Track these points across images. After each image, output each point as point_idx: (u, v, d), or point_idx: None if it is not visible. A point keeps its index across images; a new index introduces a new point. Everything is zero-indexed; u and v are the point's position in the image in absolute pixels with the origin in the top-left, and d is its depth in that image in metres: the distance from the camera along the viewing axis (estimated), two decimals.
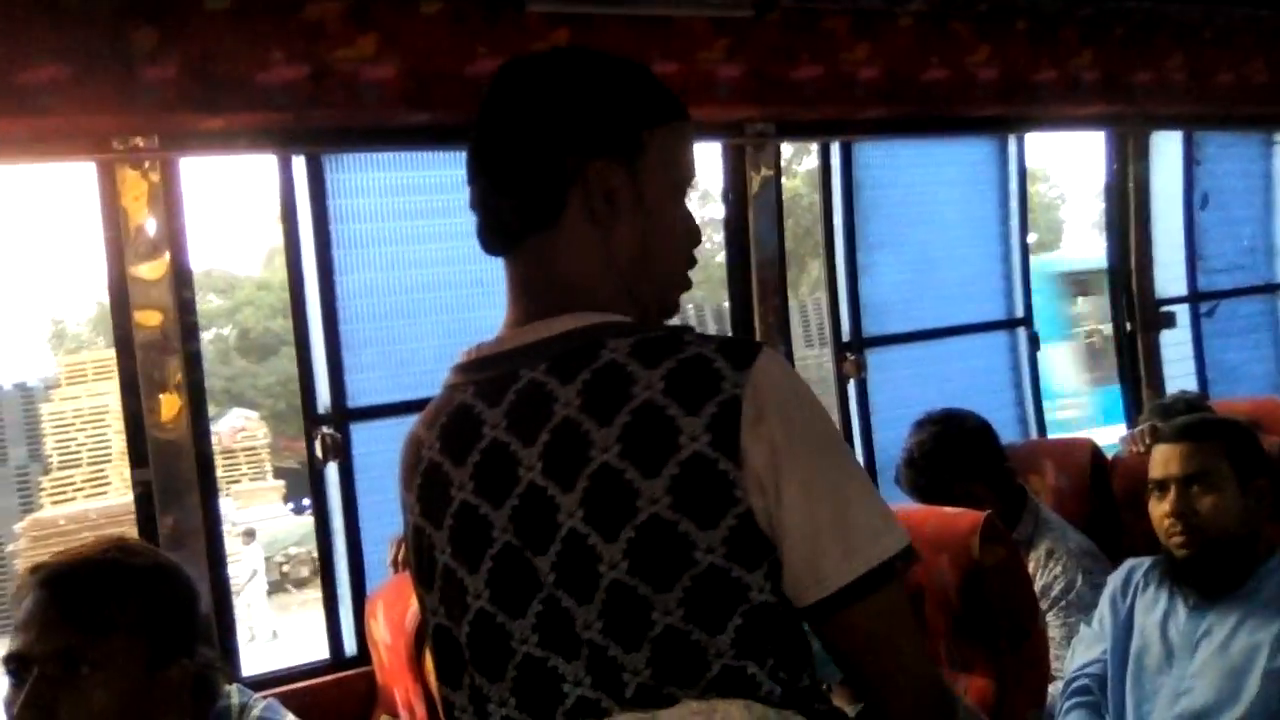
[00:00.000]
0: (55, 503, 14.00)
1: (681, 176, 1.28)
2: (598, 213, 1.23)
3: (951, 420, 3.05)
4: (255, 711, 2.15)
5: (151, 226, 2.60)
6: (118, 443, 13.92)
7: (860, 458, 3.83)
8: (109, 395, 14.12)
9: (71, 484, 14.44)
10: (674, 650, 1.12)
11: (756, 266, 3.55)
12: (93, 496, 14.17)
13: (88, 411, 14.72)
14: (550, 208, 1.23)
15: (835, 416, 3.92)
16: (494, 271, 3.07)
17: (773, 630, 1.14)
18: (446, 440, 1.26)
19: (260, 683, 2.42)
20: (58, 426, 14.80)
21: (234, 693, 2.14)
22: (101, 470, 14.61)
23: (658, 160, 1.25)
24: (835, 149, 3.77)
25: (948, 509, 2.36)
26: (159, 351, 2.59)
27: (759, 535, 1.12)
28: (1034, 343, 4.24)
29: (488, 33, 2.95)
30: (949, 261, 4.12)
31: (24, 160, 2.55)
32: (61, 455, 14.67)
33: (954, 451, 2.98)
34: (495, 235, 1.28)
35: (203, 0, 2.59)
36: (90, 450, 14.66)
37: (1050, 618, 2.76)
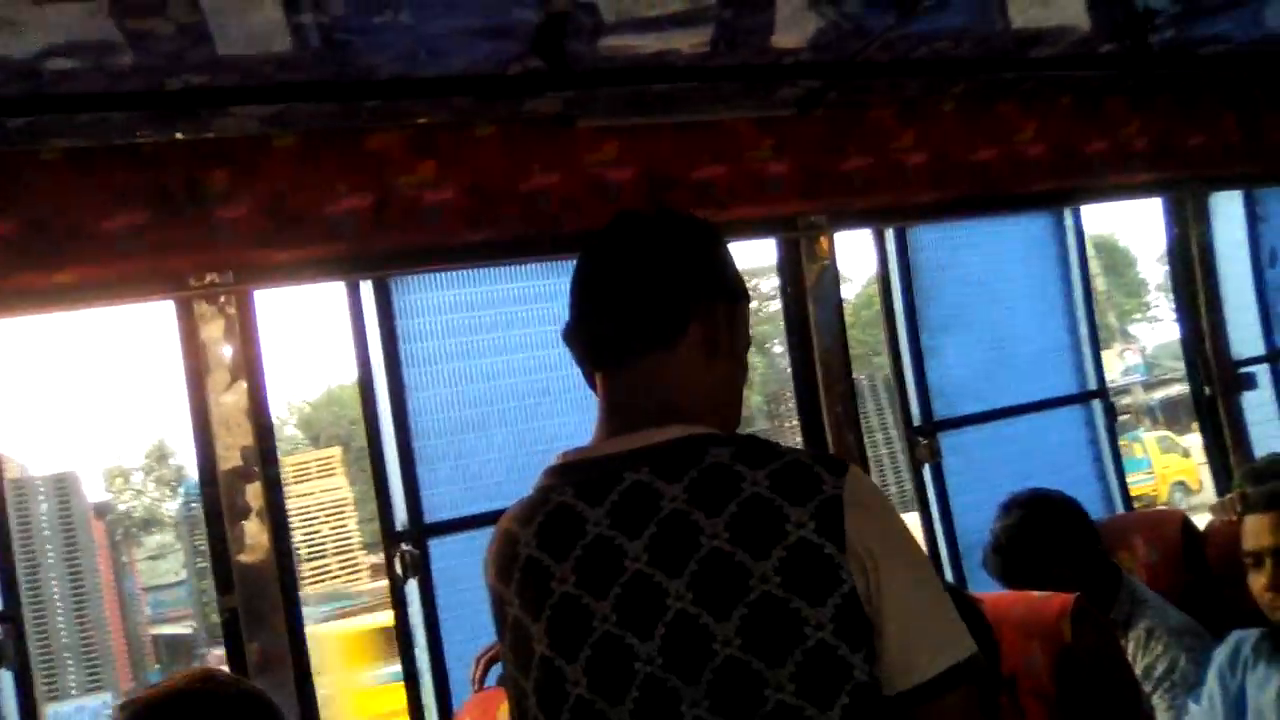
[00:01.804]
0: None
1: (748, 336, 1.51)
2: (709, 344, 1.43)
3: (1039, 501, 2.98)
4: None
5: (229, 357, 2.69)
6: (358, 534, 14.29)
7: (941, 543, 3.77)
8: (340, 489, 14.88)
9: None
10: None
11: (820, 356, 3.56)
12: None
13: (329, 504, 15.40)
14: (672, 334, 1.41)
15: (911, 510, 3.88)
16: (558, 381, 3.15)
17: (873, 711, 1.20)
18: (546, 537, 1.34)
19: None
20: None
21: None
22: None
23: (743, 317, 1.49)
24: (890, 234, 3.79)
25: (1035, 593, 2.30)
26: (240, 478, 2.65)
27: (862, 616, 1.21)
28: (1111, 414, 4.17)
29: (541, 151, 3.05)
30: (1017, 338, 4.09)
31: (106, 304, 2.66)
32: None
33: (1044, 534, 2.90)
34: (607, 353, 1.44)
35: (271, 139, 2.71)
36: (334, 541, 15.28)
37: (1156, 700, 2.66)
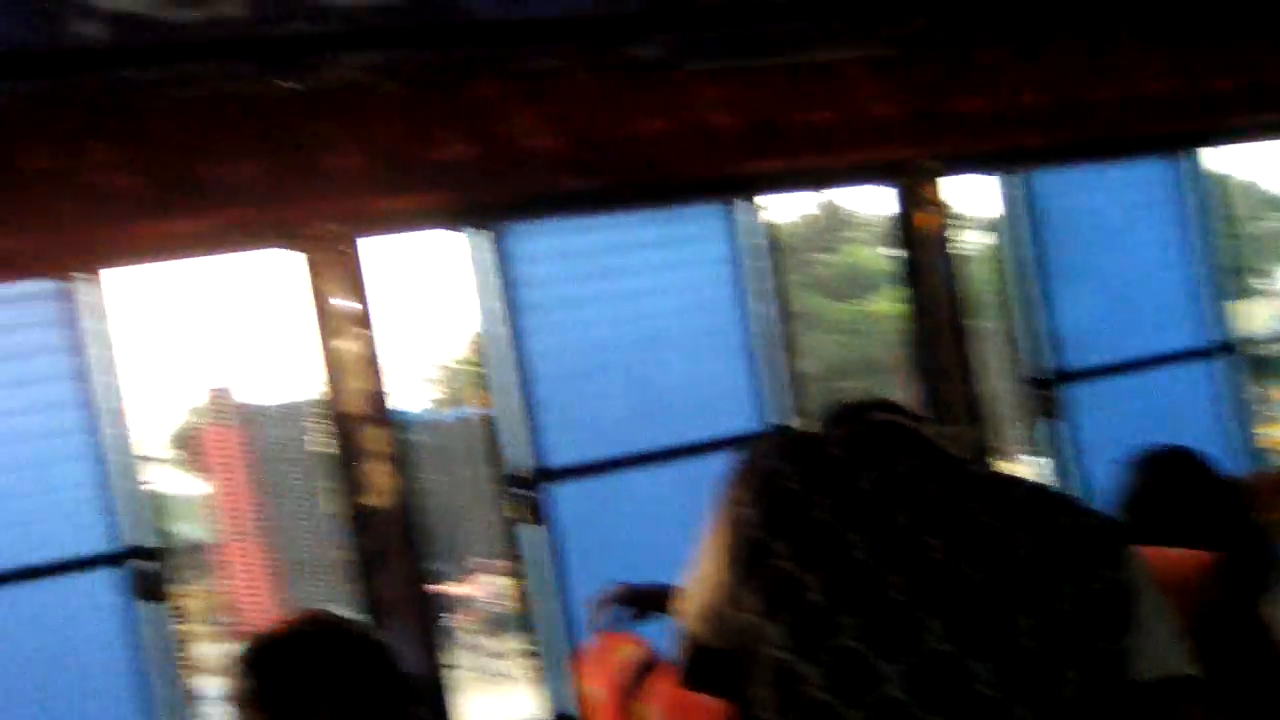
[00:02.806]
0: None
1: None
2: None
3: (1173, 457, 2.83)
4: None
5: (344, 304, 2.70)
6: None
7: None
8: None
9: None
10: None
11: (934, 307, 3.45)
12: None
13: None
14: None
15: (1033, 459, 3.75)
16: (671, 328, 3.10)
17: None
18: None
19: None
20: None
21: None
22: None
23: None
24: (1008, 179, 3.65)
25: (1171, 551, 2.18)
26: (362, 423, 2.66)
27: None
28: (1243, 368, 3.97)
29: (644, 97, 3.00)
30: (1142, 288, 3.91)
31: (222, 251, 2.69)
32: None
33: (1178, 491, 2.75)
34: None
35: (378, 87, 2.71)
36: None
37: None
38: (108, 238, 2.57)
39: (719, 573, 1.38)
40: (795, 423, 3.23)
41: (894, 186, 3.44)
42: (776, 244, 3.29)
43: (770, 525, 1.33)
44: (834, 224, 19.51)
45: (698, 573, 1.48)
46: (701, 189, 3.18)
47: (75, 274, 2.61)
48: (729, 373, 3.20)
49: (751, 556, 1.33)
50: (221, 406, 15.15)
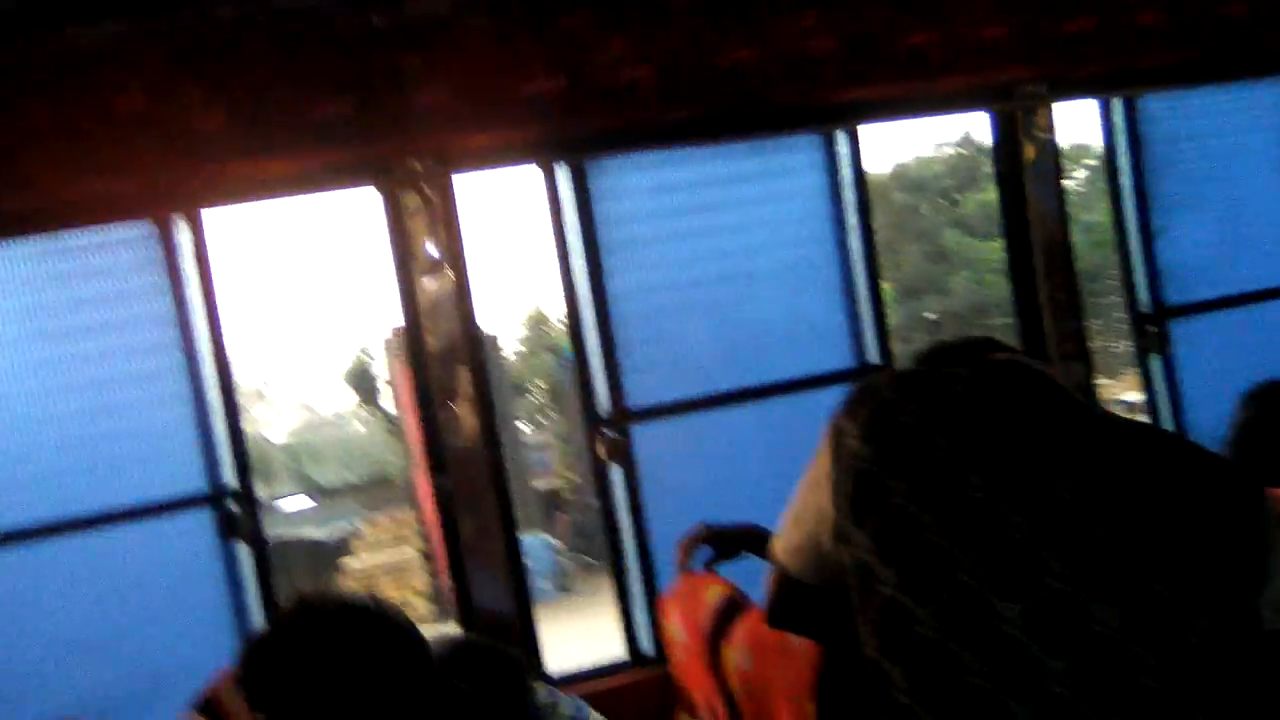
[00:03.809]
0: None
1: None
2: None
3: None
4: (564, 709, 2.17)
5: (432, 242, 2.70)
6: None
7: None
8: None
9: None
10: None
11: (1039, 241, 3.31)
12: None
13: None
14: None
15: (1137, 396, 3.62)
16: (763, 264, 3.04)
17: None
18: None
19: (562, 681, 2.43)
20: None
21: (542, 691, 2.16)
22: None
23: None
24: (1117, 105, 3.47)
25: None
26: (449, 363, 2.68)
27: None
28: None
29: (737, 22, 2.90)
30: (1259, 218, 3.71)
31: (313, 191, 2.71)
32: None
33: None
34: None
35: (464, 20, 2.67)
36: None
37: None
38: (201, 179, 2.61)
39: (824, 509, 1.35)
40: (892, 361, 3.16)
41: (997, 114, 3.30)
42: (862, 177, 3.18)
43: (885, 461, 1.29)
44: (978, 160, 18.89)
45: (798, 508, 1.45)
46: (797, 119, 3.08)
47: (170, 216, 2.66)
48: (821, 310, 3.13)
49: (863, 493, 1.29)
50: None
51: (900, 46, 3.03)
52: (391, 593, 12.26)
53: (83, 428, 2.67)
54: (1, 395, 2.66)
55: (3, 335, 2.65)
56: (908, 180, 20.39)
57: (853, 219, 3.13)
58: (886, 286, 3.24)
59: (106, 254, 2.68)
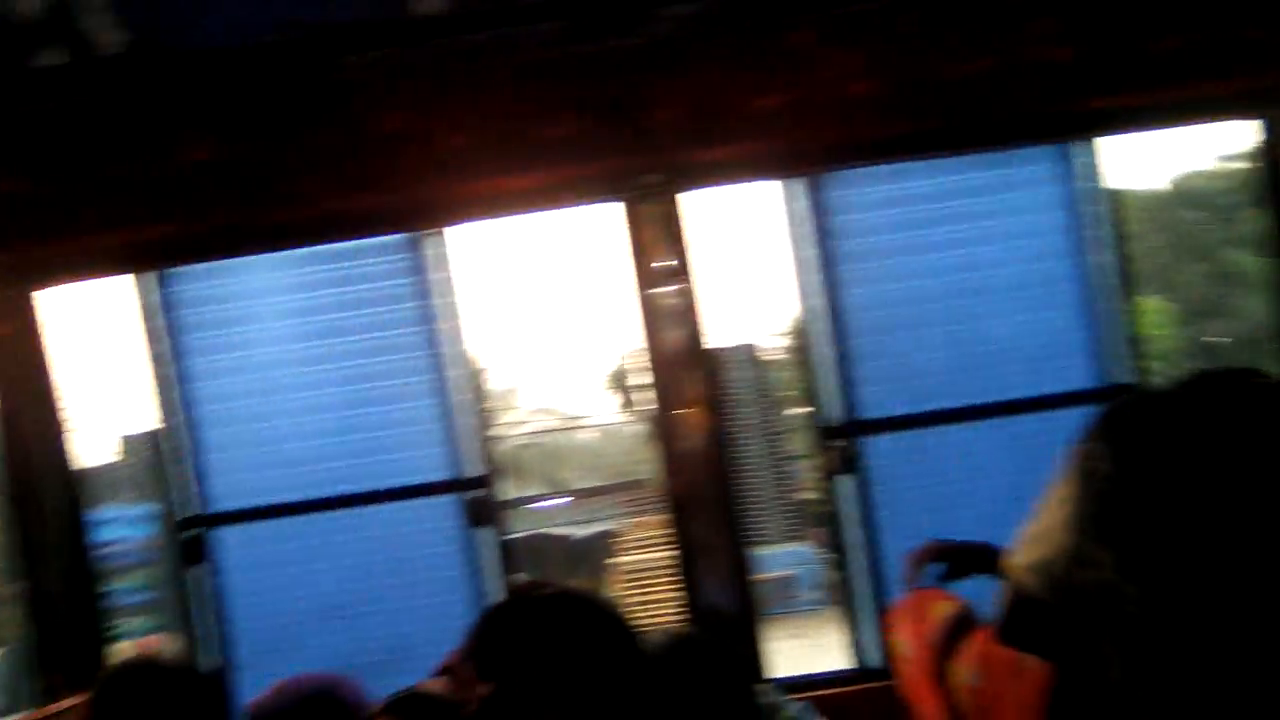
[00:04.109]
0: None
1: None
2: None
3: None
4: (788, 712, 2.17)
5: (666, 255, 2.78)
6: None
7: None
8: None
9: None
10: None
11: None
12: None
13: None
14: None
15: None
16: (999, 279, 2.96)
17: None
18: None
19: (788, 686, 2.43)
20: None
21: (769, 692, 2.17)
22: None
23: None
24: None
25: None
26: (681, 371, 2.74)
27: None
28: None
29: (972, 32, 2.84)
30: None
31: (555, 206, 2.83)
32: None
33: None
34: None
35: (695, 40, 2.74)
36: None
37: None
38: (449, 195, 2.79)
39: (1067, 528, 1.32)
40: (1139, 381, 3.00)
41: (1260, 119, 3.08)
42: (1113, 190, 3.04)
43: (1134, 484, 1.25)
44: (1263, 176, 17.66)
45: (1039, 527, 1.43)
46: (1035, 130, 2.98)
47: (425, 229, 2.87)
48: (1062, 327, 3.00)
49: (1110, 515, 1.26)
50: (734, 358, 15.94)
51: (1146, 51, 2.89)
52: (646, 594, 12.54)
53: (346, 416, 2.98)
54: (280, 385, 3.01)
55: (281, 332, 2.99)
56: (1190, 196, 19.20)
57: (1099, 232, 3.00)
58: (1162, 307, 3.06)
59: (365, 261, 2.95)
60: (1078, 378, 2.98)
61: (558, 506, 19.84)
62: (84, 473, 3.01)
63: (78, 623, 2.88)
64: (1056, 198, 3.02)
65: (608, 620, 1.45)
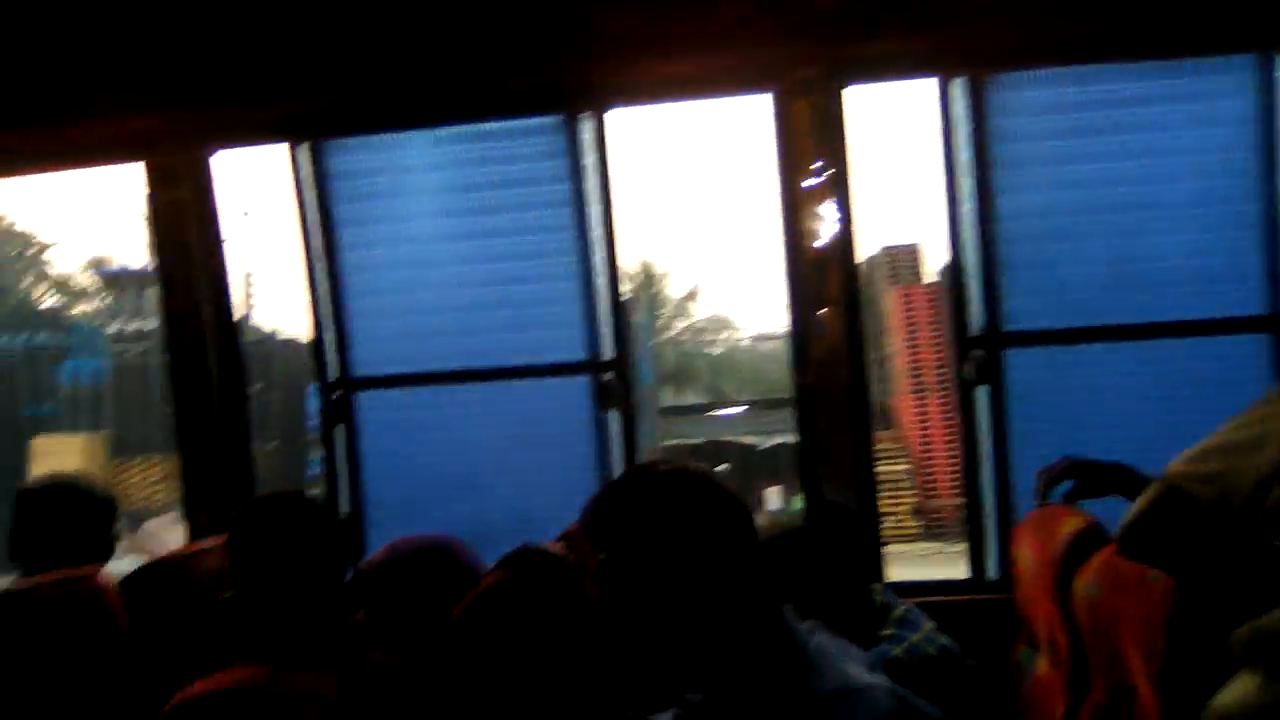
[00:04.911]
0: None
1: None
2: None
3: None
4: (899, 611, 2.20)
5: (818, 151, 2.73)
6: None
7: None
8: None
9: None
10: None
11: None
12: None
13: None
14: None
15: None
16: (1169, 194, 2.82)
17: None
18: None
19: (902, 589, 2.44)
20: None
21: (881, 593, 2.19)
22: None
23: None
24: None
25: None
26: (822, 269, 2.73)
27: None
28: None
29: None
30: None
31: (711, 95, 2.81)
32: None
33: None
34: None
35: None
36: None
37: None
38: (606, 78, 2.78)
39: (1263, 449, 1.32)
40: None
41: None
42: None
43: None
44: None
45: (1225, 439, 1.45)
46: (1225, 37, 2.78)
47: (578, 111, 2.89)
48: (1235, 250, 2.84)
49: None
50: (901, 264, 15.75)
51: None
52: None
53: (490, 292, 3.08)
54: (430, 259, 3.13)
55: (432, 206, 3.09)
56: None
57: None
58: None
59: (516, 141, 3.01)
60: (1246, 304, 2.82)
61: (736, 415, 20.01)
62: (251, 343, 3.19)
63: (231, 484, 3.08)
64: (1244, 111, 2.82)
65: (722, 499, 1.48)
